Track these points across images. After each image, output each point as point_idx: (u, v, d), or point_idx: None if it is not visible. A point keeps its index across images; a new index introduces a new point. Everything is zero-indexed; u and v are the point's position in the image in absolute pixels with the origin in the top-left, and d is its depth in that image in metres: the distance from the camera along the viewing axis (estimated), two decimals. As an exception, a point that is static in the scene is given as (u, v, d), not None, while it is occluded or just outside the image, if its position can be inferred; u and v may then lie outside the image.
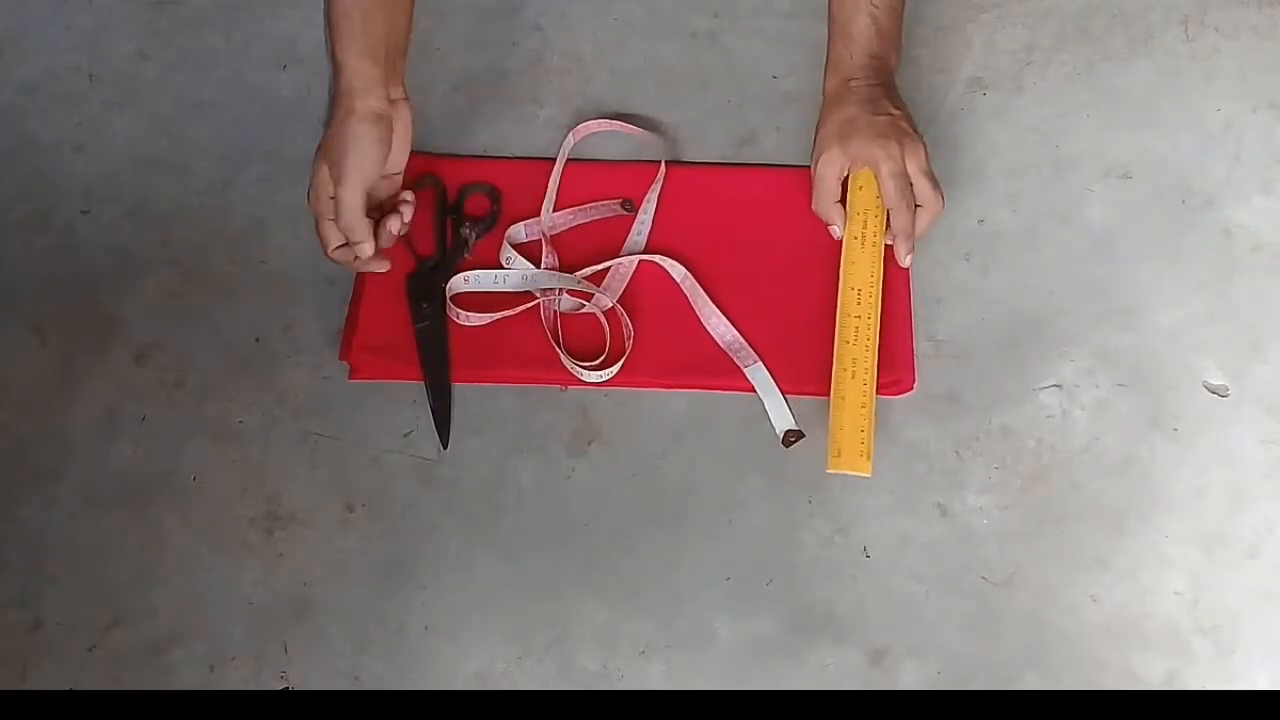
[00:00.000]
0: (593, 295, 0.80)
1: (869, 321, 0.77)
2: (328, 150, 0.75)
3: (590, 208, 0.84)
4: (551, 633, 0.71)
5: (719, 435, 0.77)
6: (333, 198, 0.75)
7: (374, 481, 0.75)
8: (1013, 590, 0.72)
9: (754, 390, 0.77)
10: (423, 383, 0.78)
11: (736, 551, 0.73)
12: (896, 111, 0.79)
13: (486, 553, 0.73)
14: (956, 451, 0.76)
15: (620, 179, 0.85)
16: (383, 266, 0.79)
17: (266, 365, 0.79)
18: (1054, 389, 0.78)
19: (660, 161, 0.85)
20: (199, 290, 0.82)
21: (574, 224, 0.84)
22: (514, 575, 0.73)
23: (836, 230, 0.81)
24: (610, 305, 0.80)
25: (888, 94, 0.80)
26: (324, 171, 0.75)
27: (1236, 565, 0.72)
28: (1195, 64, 0.91)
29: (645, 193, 0.84)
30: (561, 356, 0.77)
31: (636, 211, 0.84)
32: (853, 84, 0.80)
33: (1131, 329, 0.80)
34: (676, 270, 0.81)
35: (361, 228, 0.75)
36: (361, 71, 0.75)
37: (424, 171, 0.84)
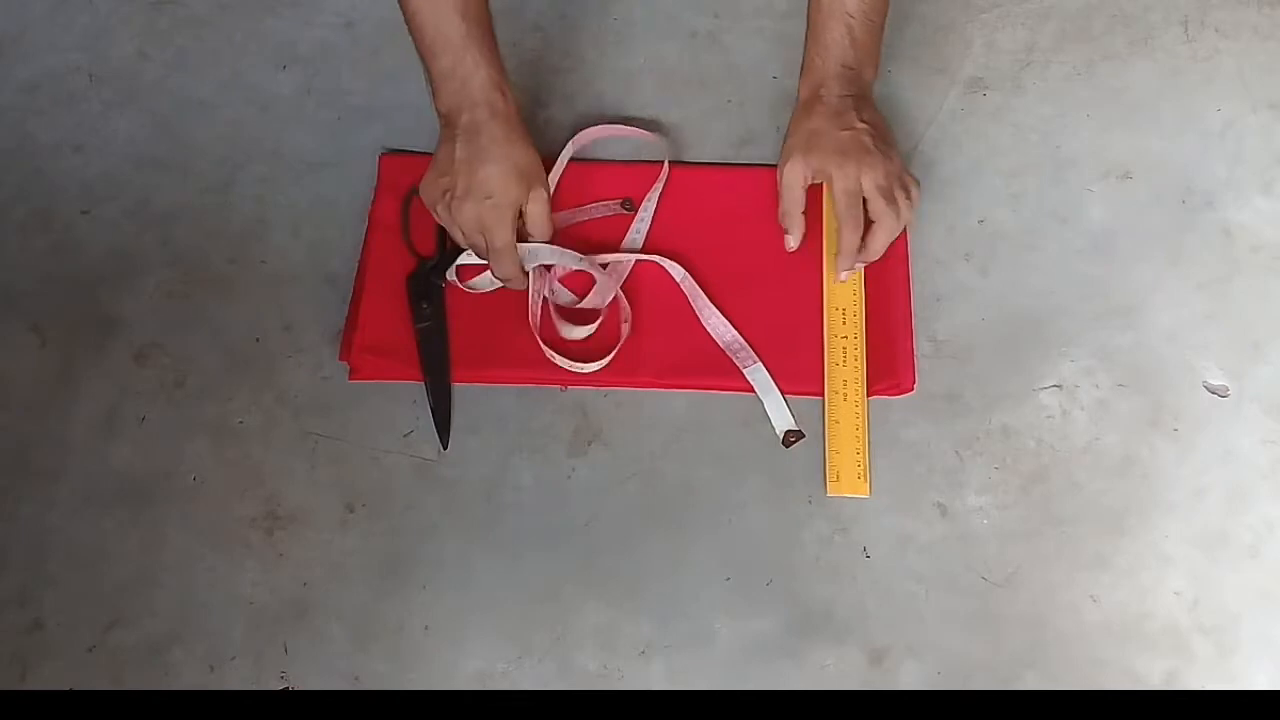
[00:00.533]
0: (593, 280, 0.80)
1: (856, 340, 0.78)
2: (508, 177, 0.76)
3: (590, 207, 0.84)
4: (551, 633, 0.71)
5: (719, 435, 0.77)
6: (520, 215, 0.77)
7: (374, 481, 0.75)
8: (1013, 590, 0.72)
9: (754, 390, 0.77)
10: (423, 383, 0.78)
11: (736, 551, 0.73)
12: (862, 125, 0.78)
13: (486, 553, 0.73)
14: (956, 451, 0.76)
15: (621, 179, 0.85)
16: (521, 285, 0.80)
17: (266, 365, 0.79)
18: (1054, 389, 0.78)
19: (663, 161, 0.85)
20: (199, 290, 0.82)
21: (574, 223, 0.84)
22: (514, 575, 0.73)
23: (791, 241, 0.81)
24: (612, 296, 0.80)
25: (858, 105, 0.79)
26: (512, 193, 0.76)
27: (1236, 565, 0.73)
28: (1195, 64, 0.91)
29: (646, 192, 0.84)
30: (542, 348, 0.77)
31: (637, 211, 0.84)
32: (823, 93, 0.79)
33: (1131, 329, 0.80)
34: (676, 271, 0.81)
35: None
36: (500, 82, 0.77)
37: (425, 172, 0.84)
